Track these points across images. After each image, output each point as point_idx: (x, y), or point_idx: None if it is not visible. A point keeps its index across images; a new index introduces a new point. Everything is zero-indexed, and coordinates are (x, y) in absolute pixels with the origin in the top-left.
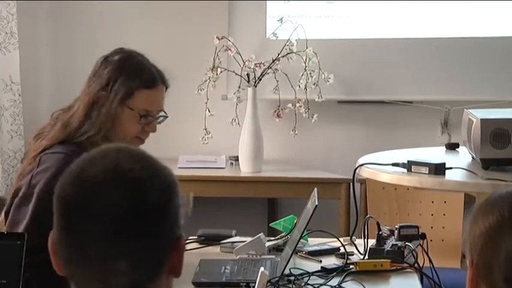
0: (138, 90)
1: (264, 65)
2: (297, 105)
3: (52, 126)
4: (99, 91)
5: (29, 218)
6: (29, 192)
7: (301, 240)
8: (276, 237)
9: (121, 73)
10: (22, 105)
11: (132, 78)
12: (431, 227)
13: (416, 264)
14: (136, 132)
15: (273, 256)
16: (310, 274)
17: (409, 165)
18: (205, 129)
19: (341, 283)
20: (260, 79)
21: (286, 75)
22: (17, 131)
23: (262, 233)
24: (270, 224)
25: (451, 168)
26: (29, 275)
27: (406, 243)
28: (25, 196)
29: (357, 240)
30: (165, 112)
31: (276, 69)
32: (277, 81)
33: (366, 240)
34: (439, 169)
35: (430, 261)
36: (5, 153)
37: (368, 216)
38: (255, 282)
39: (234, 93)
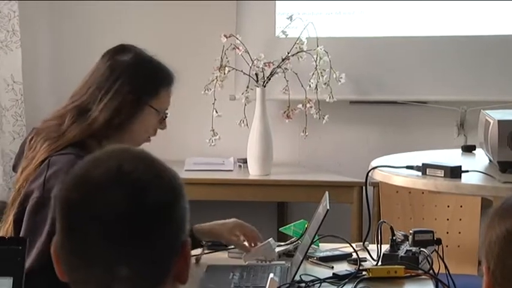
0: (162, 90)
1: (273, 64)
2: (308, 105)
3: (57, 130)
4: (127, 95)
5: (50, 224)
6: (45, 197)
7: (312, 245)
8: (286, 243)
9: (143, 75)
10: (24, 105)
11: (155, 79)
12: (447, 232)
13: (431, 271)
14: (151, 132)
15: (283, 262)
16: (321, 281)
17: (423, 168)
18: (213, 130)
19: None
20: (269, 79)
21: (296, 74)
22: (19, 132)
23: (271, 238)
24: (280, 229)
25: (467, 171)
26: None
27: (421, 248)
28: (40, 201)
29: (370, 245)
30: None
31: (286, 68)
32: (286, 80)
33: (379, 245)
34: (455, 172)
35: (446, 267)
36: (7, 155)
37: (381, 220)
38: None
39: (242, 94)
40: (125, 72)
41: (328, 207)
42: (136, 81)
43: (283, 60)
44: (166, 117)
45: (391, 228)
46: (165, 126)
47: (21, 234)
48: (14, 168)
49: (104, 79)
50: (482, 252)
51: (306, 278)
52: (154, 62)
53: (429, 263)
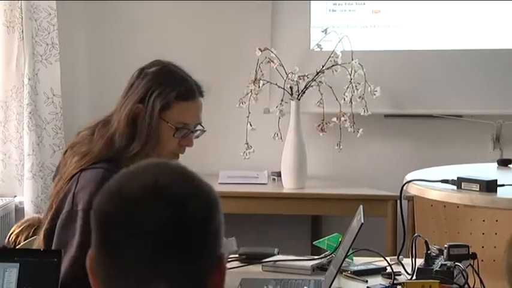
0: (175, 102)
1: (307, 78)
2: (342, 119)
3: (89, 142)
4: (136, 103)
5: (79, 236)
6: (74, 210)
7: (346, 259)
8: (320, 256)
9: (158, 85)
10: (63, 118)
11: (169, 89)
12: (482, 247)
13: (466, 285)
14: (174, 147)
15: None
16: None
17: (459, 182)
18: (247, 143)
19: None
20: (304, 92)
21: (330, 88)
22: (59, 145)
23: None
24: (314, 242)
25: (503, 185)
26: None
27: (456, 263)
28: (69, 215)
29: (404, 259)
30: (202, 126)
31: (320, 81)
32: (321, 94)
33: (413, 259)
34: (490, 186)
35: (481, 282)
36: (47, 167)
37: (416, 234)
38: None
39: (277, 107)
40: (142, 82)
41: (362, 221)
42: (146, 92)
43: (317, 73)
44: (190, 133)
45: (426, 242)
46: (190, 143)
47: (53, 248)
48: (54, 180)
49: (125, 91)
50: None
51: None
52: (175, 75)
53: (464, 278)
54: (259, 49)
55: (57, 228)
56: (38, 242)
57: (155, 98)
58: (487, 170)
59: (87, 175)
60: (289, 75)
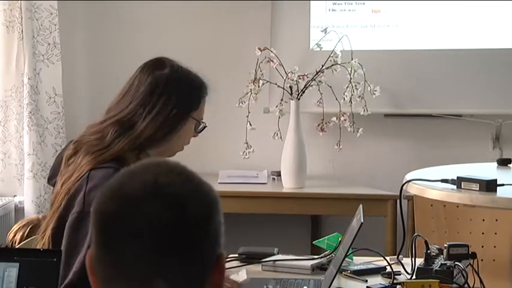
0: (202, 100)
1: (307, 77)
2: (342, 118)
3: (101, 143)
4: (172, 110)
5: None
6: (85, 211)
7: (346, 259)
8: (320, 256)
9: (185, 89)
10: (65, 118)
11: (195, 91)
12: (482, 246)
13: (466, 285)
14: (189, 141)
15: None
16: None
17: (458, 182)
18: (247, 143)
19: None
20: (303, 91)
21: (330, 87)
22: (61, 145)
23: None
24: (314, 242)
25: (503, 185)
26: None
27: (456, 262)
28: (81, 216)
29: (404, 259)
30: None
31: (320, 81)
32: (321, 93)
33: (413, 259)
34: (490, 186)
35: (481, 281)
36: (49, 167)
37: (416, 234)
38: None
39: (277, 106)
40: (167, 87)
41: (362, 221)
42: (179, 96)
43: (317, 73)
44: (205, 126)
45: (426, 242)
46: (197, 134)
47: (62, 249)
48: (49, 180)
49: (147, 95)
50: None
51: None
52: (192, 75)
53: (464, 277)
54: (259, 49)
55: (68, 228)
56: (42, 240)
57: (188, 101)
58: (487, 170)
59: (97, 175)
60: (289, 74)
